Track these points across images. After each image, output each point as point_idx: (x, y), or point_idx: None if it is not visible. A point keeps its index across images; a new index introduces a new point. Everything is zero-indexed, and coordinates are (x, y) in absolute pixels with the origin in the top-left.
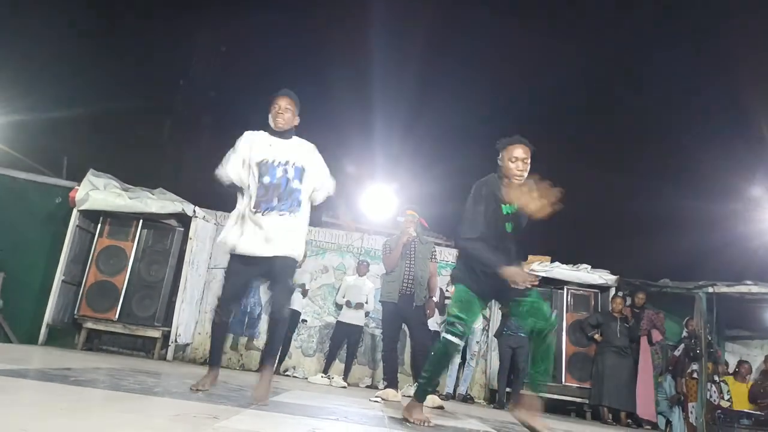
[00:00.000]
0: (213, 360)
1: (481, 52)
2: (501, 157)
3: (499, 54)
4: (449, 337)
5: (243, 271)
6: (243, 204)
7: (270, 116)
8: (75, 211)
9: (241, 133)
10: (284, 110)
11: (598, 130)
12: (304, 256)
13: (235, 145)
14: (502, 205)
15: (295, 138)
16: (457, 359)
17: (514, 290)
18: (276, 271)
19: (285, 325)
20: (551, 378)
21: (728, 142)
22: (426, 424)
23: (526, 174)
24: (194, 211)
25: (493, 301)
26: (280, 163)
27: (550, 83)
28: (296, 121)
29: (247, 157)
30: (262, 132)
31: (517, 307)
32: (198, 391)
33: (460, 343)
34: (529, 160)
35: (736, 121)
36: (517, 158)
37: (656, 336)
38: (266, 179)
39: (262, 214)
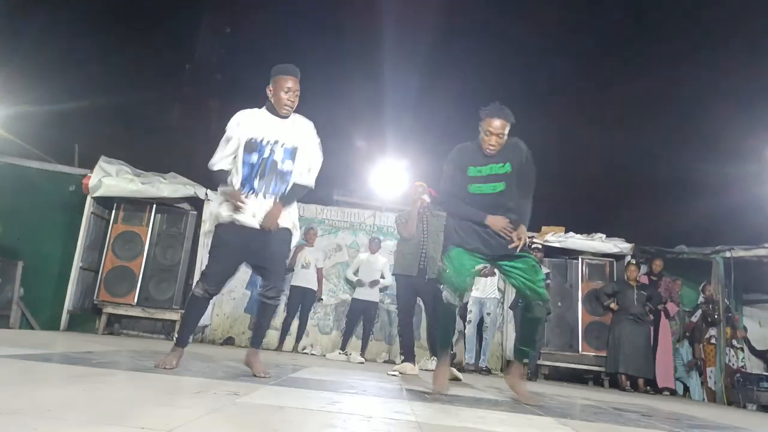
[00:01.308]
0: (181, 338)
1: (494, 22)
2: (480, 124)
3: (512, 23)
4: (443, 293)
5: (232, 244)
6: (229, 182)
7: (273, 95)
8: (89, 199)
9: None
10: (293, 93)
11: (610, 95)
12: (313, 234)
13: (227, 129)
14: (470, 167)
15: (292, 116)
16: (471, 331)
17: (501, 248)
18: (268, 250)
19: (275, 310)
20: (568, 347)
21: (744, 101)
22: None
23: (498, 146)
24: (206, 194)
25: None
26: (269, 142)
27: (563, 50)
28: (297, 101)
29: (237, 136)
30: (256, 110)
31: (510, 278)
32: (163, 369)
33: (450, 295)
34: (505, 133)
35: (752, 80)
36: (492, 132)
37: (672, 309)
38: (253, 157)
39: (246, 197)
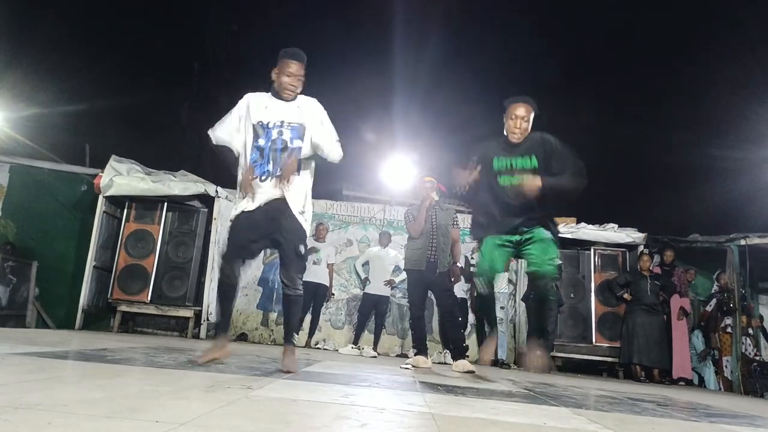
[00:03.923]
0: (220, 325)
1: (503, 13)
2: (505, 114)
3: (521, 13)
4: (479, 290)
5: (247, 227)
6: (241, 171)
7: (277, 78)
8: (101, 198)
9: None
10: (296, 78)
11: (621, 82)
12: (323, 230)
13: (236, 106)
14: (494, 159)
15: (298, 98)
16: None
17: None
18: (283, 237)
19: (299, 302)
20: (582, 338)
21: (757, 87)
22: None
23: (524, 132)
24: (217, 192)
25: (518, 264)
26: (275, 124)
27: (573, 40)
28: (301, 86)
29: (244, 117)
30: (263, 93)
31: (528, 264)
32: (208, 362)
33: (480, 285)
34: (530, 119)
35: (765, 64)
36: (517, 116)
37: (684, 303)
38: (261, 141)
39: (260, 180)
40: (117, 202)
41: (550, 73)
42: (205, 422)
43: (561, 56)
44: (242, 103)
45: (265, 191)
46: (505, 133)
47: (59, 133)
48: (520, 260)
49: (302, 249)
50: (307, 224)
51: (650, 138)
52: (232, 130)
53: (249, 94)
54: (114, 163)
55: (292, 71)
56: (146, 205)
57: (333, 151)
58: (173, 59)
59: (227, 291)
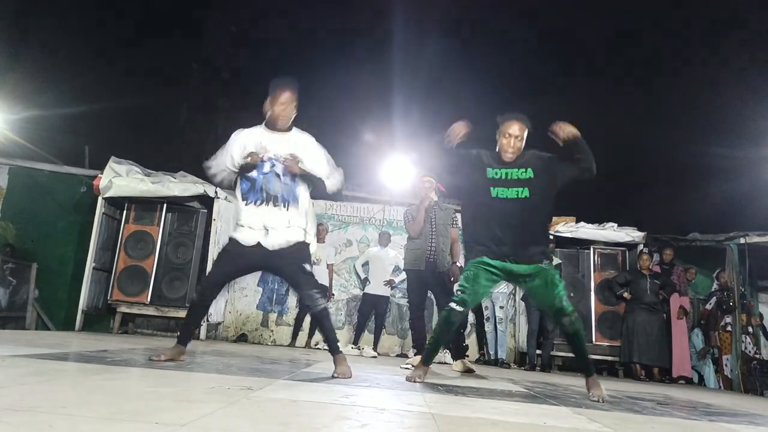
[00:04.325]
0: (182, 337)
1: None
2: (498, 132)
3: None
4: (452, 304)
5: (236, 258)
6: (237, 200)
7: (270, 109)
8: (100, 199)
9: (257, 111)
10: (286, 107)
11: (620, 81)
12: (323, 230)
13: (228, 142)
14: (488, 168)
15: (293, 131)
16: (491, 328)
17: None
18: (288, 262)
19: (326, 314)
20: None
21: (756, 85)
22: (414, 380)
23: (517, 151)
24: (216, 192)
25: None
26: (268, 158)
27: (573, 39)
28: (295, 112)
29: (236, 154)
30: (255, 128)
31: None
32: (158, 361)
33: (461, 309)
34: (523, 137)
35: (765, 62)
36: (510, 135)
37: (684, 302)
38: (252, 174)
39: (255, 205)
40: (116, 203)
41: (549, 72)
42: (205, 424)
43: (560, 55)
44: (234, 141)
45: (264, 213)
46: (497, 150)
47: (58, 134)
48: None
49: (308, 267)
50: (310, 238)
51: (649, 137)
52: (225, 163)
53: (239, 130)
54: (113, 165)
55: (284, 100)
56: (146, 206)
57: (332, 180)
58: (172, 61)
59: (201, 314)
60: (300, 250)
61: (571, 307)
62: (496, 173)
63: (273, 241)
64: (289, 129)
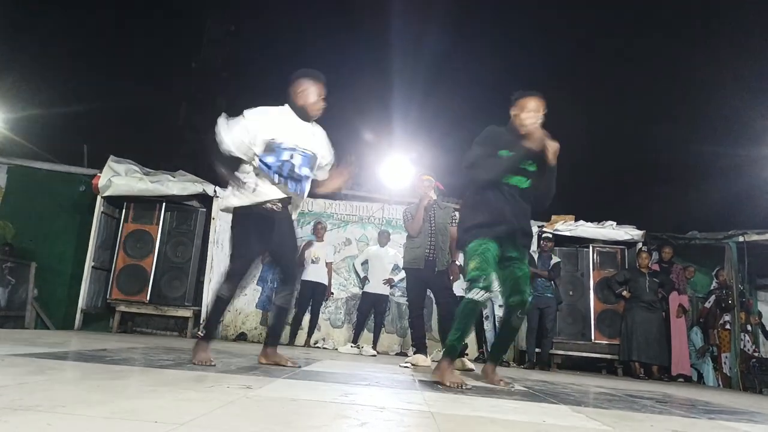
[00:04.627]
0: (209, 332)
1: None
2: (513, 111)
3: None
4: (472, 295)
5: (258, 237)
6: (246, 175)
7: (302, 98)
8: (99, 198)
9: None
10: (320, 101)
11: (618, 79)
12: (322, 229)
13: (247, 116)
14: (500, 152)
15: (318, 126)
16: (489, 326)
17: (515, 240)
18: (283, 251)
19: (284, 313)
20: (581, 336)
21: (755, 84)
22: (463, 387)
23: (537, 125)
24: (215, 191)
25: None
26: (288, 147)
27: (572, 36)
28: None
29: (254, 130)
30: (279, 109)
31: (505, 270)
32: (205, 365)
33: (487, 295)
34: (542, 112)
35: (764, 61)
36: (531, 109)
37: (683, 300)
38: (269, 158)
39: (271, 183)
40: (115, 202)
41: (547, 70)
42: (204, 422)
43: (559, 52)
44: (255, 116)
45: (272, 190)
46: (512, 127)
47: (57, 133)
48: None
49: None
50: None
51: (649, 135)
52: (242, 146)
53: (263, 108)
54: (112, 164)
55: (320, 93)
56: (145, 205)
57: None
58: (171, 59)
59: (222, 307)
60: (294, 243)
61: (528, 304)
62: (517, 156)
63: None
64: (310, 120)
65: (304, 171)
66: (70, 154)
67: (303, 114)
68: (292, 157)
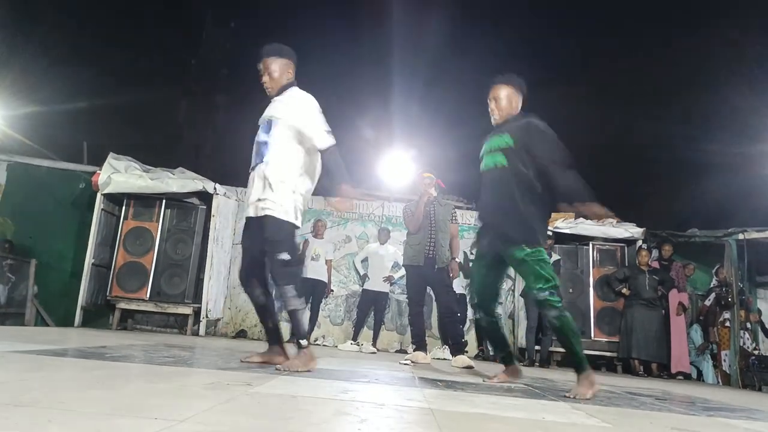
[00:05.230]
0: (268, 338)
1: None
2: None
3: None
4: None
5: (245, 239)
6: None
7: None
8: (99, 195)
9: (255, 107)
10: (266, 76)
11: (619, 75)
12: (322, 226)
13: None
14: (484, 144)
15: (289, 91)
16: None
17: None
18: (263, 239)
19: (297, 314)
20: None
21: (755, 82)
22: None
23: (504, 114)
24: (215, 189)
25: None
26: (259, 125)
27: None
28: (288, 75)
29: None
30: None
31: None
32: (250, 362)
33: (478, 315)
34: (510, 99)
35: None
36: (494, 98)
37: (683, 298)
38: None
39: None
40: (115, 199)
41: (548, 67)
42: (204, 419)
43: (559, 49)
44: None
45: (251, 184)
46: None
47: (57, 130)
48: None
49: (284, 256)
50: (291, 216)
51: (649, 133)
52: None
53: None
54: (112, 161)
55: (260, 70)
56: (144, 202)
57: (319, 137)
58: (171, 56)
59: (263, 308)
60: (271, 227)
61: (546, 300)
62: (486, 146)
63: (248, 211)
64: (284, 92)
65: (262, 137)
66: (70, 151)
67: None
68: (258, 130)
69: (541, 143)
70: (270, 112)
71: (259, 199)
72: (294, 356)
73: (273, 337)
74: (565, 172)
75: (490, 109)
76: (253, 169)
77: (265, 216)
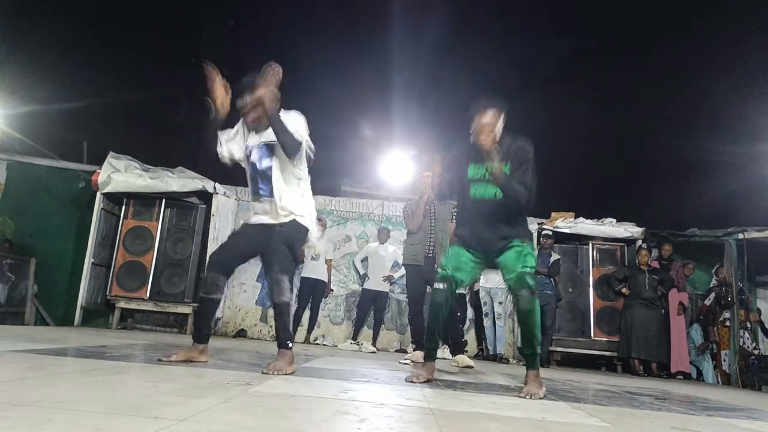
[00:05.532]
0: (195, 335)
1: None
2: (472, 122)
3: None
4: (435, 284)
5: (237, 237)
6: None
7: None
8: (99, 195)
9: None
10: (248, 106)
11: (618, 75)
12: (322, 226)
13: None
14: (470, 166)
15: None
16: (489, 323)
17: (490, 244)
18: (270, 241)
19: (287, 309)
20: (580, 333)
21: (755, 81)
22: (413, 381)
23: (492, 142)
24: (215, 188)
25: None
26: (252, 148)
27: (570, 30)
28: (273, 102)
29: (240, 133)
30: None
31: (503, 273)
32: (167, 362)
33: (442, 286)
34: (493, 123)
35: (765, 57)
36: (483, 125)
37: (683, 297)
38: (248, 170)
39: (254, 202)
40: (115, 198)
41: (548, 66)
42: (204, 418)
43: (559, 48)
44: (231, 133)
45: (258, 208)
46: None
47: (57, 129)
48: None
49: (283, 258)
50: (310, 232)
51: (648, 132)
52: (229, 138)
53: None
54: (112, 160)
55: (240, 103)
56: (144, 201)
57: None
58: (171, 55)
59: (210, 306)
60: (289, 236)
61: (532, 284)
62: (477, 171)
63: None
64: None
65: (265, 163)
66: (70, 150)
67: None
68: (251, 155)
69: (523, 170)
70: (265, 136)
71: (281, 224)
72: (278, 357)
73: (206, 336)
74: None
75: (478, 138)
76: (259, 199)
77: (292, 220)
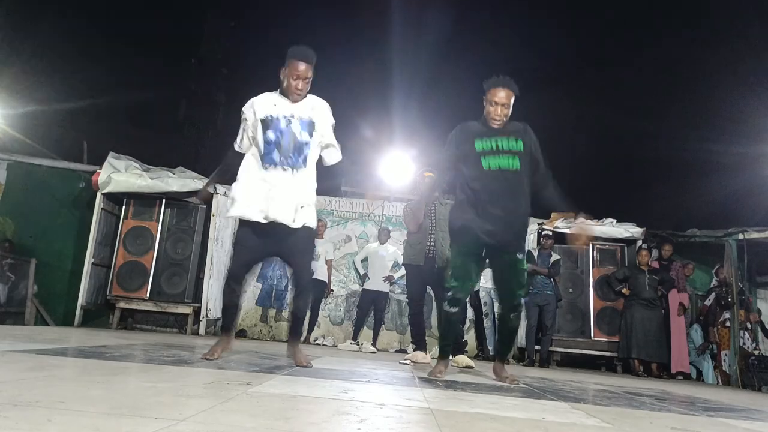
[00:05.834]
0: (224, 323)
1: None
2: (484, 98)
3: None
4: (447, 308)
5: (252, 240)
6: (251, 162)
7: (285, 79)
8: (99, 195)
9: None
10: (304, 81)
11: (618, 74)
12: (322, 226)
13: (241, 115)
14: (476, 140)
15: (308, 98)
16: (489, 323)
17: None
18: (291, 247)
19: (306, 305)
20: (580, 333)
21: (755, 82)
22: (436, 376)
23: (505, 119)
24: (215, 188)
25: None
26: (284, 116)
27: (570, 31)
28: (308, 87)
29: (252, 120)
30: (268, 93)
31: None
32: (208, 360)
33: (456, 310)
34: (510, 104)
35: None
36: (497, 102)
37: (683, 298)
38: (270, 134)
39: (266, 170)
40: (115, 199)
41: (549, 67)
42: (204, 419)
43: (560, 49)
44: (246, 106)
45: (273, 178)
46: (484, 117)
47: (57, 130)
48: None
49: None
50: (313, 221)
51: (649, 132)
52: (247, 138)
53: (253, 98)
54: (112, 160)
55: (299, 73)
56: (144, 201)
57: (335, 154)
58: (171, 56)
59: (234, 298)
60: (310, 239)
61: (521, 302)
62: (486, 144)
63: (280, 215)
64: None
65: (305, 137)
66: (70, 150)
67: (287, 95)
68: (290, 123)
69: (539, 151)
70: (308, 112)
71: (302, 206)
72: (297, 352)
73: (230, 328)
74: (552, 181)
75: (491, 111)
76: (289, 166)
77: (304, 227)
